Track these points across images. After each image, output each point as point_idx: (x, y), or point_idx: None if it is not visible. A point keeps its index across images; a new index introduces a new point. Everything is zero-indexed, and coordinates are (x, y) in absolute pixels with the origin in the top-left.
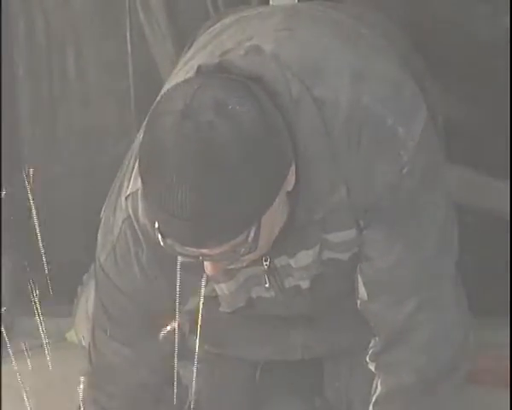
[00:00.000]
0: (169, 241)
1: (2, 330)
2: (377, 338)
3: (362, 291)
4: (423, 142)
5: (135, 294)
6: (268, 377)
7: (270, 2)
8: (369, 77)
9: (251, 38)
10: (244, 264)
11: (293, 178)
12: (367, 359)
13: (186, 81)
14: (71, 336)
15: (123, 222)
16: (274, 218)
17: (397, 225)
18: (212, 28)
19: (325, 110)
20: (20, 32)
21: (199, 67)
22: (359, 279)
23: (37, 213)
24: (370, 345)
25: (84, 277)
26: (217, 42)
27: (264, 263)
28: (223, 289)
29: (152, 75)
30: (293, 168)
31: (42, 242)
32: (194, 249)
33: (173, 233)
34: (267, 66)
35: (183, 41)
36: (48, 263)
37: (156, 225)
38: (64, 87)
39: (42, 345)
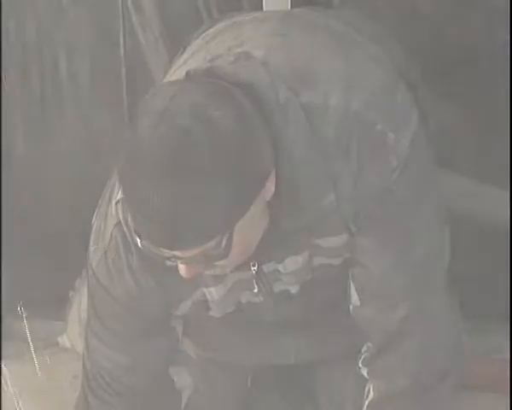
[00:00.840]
0: (144, 241)
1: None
2: (370, 343)
3: (354, 296)
4: (414, 148)
5: (126, 299)
6: (260, 383)
7: (264, 8)
8: (360, 83)
9: (242, 44)
10: (223, 270)
11: (273, 187)
12: (359, 364)
13: (169, 84)
14: (63, 340)
15: (113, 227)
16: (250, 226)
17: (387, 231)
18: (205, 34)
19: (314, 116)
20: (11, 35)
21: (187, 73)
22: (351, 285)
23: (28, 218)
24: (363, 350)
25: (77, 281)
26: (209, 47)
27: (252, 268)
28: (212, 293)
29: (145, 79)
30: (272, 178)
31: (34, 246)
32: (167, 251)
33: (146, 234)
34: (255, 72)
35: (176, 45)
36: (40, 267)
37: (132, 225)
38: (56, 90)
39: (34, 349)
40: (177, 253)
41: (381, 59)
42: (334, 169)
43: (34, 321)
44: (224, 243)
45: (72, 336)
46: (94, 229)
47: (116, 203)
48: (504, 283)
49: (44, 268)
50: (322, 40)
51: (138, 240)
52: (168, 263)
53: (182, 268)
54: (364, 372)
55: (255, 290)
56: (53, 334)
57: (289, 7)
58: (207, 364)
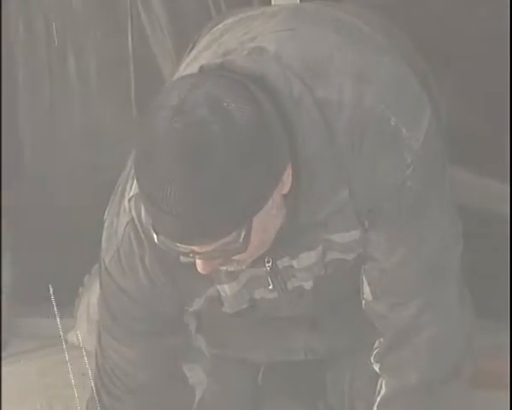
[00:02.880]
0: (161, 237)
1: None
2: (382, 339)
3: (367, 292)
4: (427, 142)
5: (139, 296)
6: (271, 379)
7: (272, 2)
8: (373, 77)
9: (254, 39)
10: (239, 265)
11: (290, 180)
12: (371, 359)
13: (184, 77)
14: (72, 337)
15: (127, 224)
16: (267, 220)
17: (400, 226)
18: (215, 29)
19: (328, 111)
20: (20, 33)
21: (201, 68)
22: (364, 280)
23: (38, 215)
24: (375, 345)
25: (86, 278)
26: (220, 42)
27: (267, 265)
28: (225, 290)
29: (153, 76)
30: (288, 171)
31: (43, 243)
32: (185, 246)
33: (163, 229)
34: (269, 66)
35: (184, 41)
36: (49, 264)
37: (150, 221)
38: (65, 87)
39: (42, 346)
40: (195, 248)
41: (392, 52)
42: (347, 164)
43: (42, 318)
44: (242, 236)
45: (80, 333)
46: (106, 225)
47: (129, 200)
48: (505, 280)
49: (53, 265)
50: (333, 34)
51: (155, 236)
52: (183, 259)
53: (199, 264)
54: (376, 368)
55: (270, 287)
56: (62, 331)
57: (298, 1)
58: (219, 360)
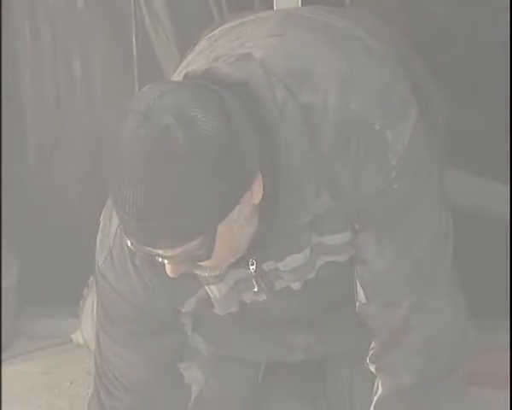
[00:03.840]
0: (131, 239)
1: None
2: (376, 340)
3: (360, 293)
4: (413, 145)
5: (133, 296)
6: (271, 378)
7: (275, 6)
8: (358, 81)
9: (243, 45)
10: (212, 271)
11: (261, 189)
12: (367, 360)
13: (156, 84)
14: (77, 337)
15: (118, 227)
16: (234, 229)
17: (388, 228)
18: (211, 34)
19: (312, 115)
20: (26, 36)
21: (185, 75)
22: (357, 282)
23: (43, 216)
24: (371, 346)
25: (90, 279)
26: (213, 48)
27: (251, 267)
28: (213, 291)
29: (157, 78)
30: (259, 180)
31: (49, 243)
32: (151, 249)
33: (129, 232)
34: (253, 72)
35: (187, 44)
36: (54, 264)
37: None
38: (70, 91)
39: (48, 346)
40: (159, 251)
41: (384, 57)
42: (332, 168)
43: (48, 318)
44: (205, 243)
45: (85, 333)
46: (100, 227)
47: None
48: (504, 279)
49: (58, 266)
50: (321, 39)
51: (127, 239)
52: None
53: (168, 267)
54: (372, 368)
55: (255, 290)
56: (67, 331)
57: (299, 4)
58: (218, 360)
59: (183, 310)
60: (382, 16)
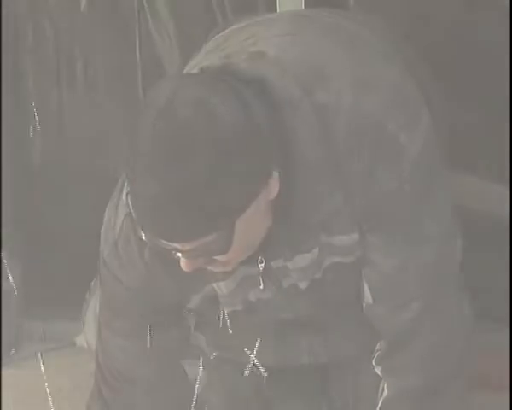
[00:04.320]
0: (147, 233)
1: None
2: (382, 342)
3: (367, 295)
4: (425, 147)
5: (138, 288)
6: (275, 382)
7: (278, 9)
8: (372, 83)
9: (255, 43)
10: (225, 267)
11: (277, 185)
12: (373, 362)
13: (174, 77)
14: (80, 340)
15: (124, 218)
16: (251, 224)
17: (398, 230)
18: (219, 34)
19: (326, 116)
20: (29, 39)
21: (201, 69)
22: (364, 283)
23: (48, 220)
24: (376, 348)
25: (93, 282)
26: (223, 47)
27: (260, 265)
28: (221, 287)
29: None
30: (275, 178)
31: (51, 247)
32: (168, 243)
33: (147, 225)
34: (268, 70)
35: (190, 47)
36: (59, 268)
37: (135, 216)
38: (73, 96)
39: (51, 349)
40: (176, 245)
41: (393, 59)
42: (344, 168)
43: (51, 322)
44: (223, 238)
45: (88, 336)
46: (105, 219)
47: (127, 194)
48: (505, 281)
49: (61, 269)
50: (333, 40)
51: (142, 232)
52: (173, 256)
53: (183, 261)
54: (378, 371)
55: (261, 287)
56: (70, 334)
57: (303, 7)
58: (223, 363)
59: (188, 306)
60: (385, 19)
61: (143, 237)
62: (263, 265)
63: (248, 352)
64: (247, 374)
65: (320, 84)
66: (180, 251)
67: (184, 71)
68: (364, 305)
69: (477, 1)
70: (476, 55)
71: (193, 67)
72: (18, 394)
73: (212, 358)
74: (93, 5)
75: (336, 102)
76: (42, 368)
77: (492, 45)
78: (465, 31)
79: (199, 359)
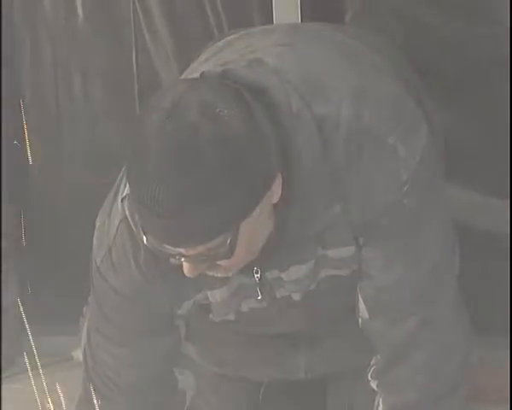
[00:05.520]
0: (150, 238)
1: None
2: (378, 356)
3: (362, 309)
4: (424, 160)
5: (131, 294)
6: (271, 398)
7: (274, 22)
8: (371, 95)
9: (253, 52)
10: (226, 272)
11: (280, 190)
12: (369, 377)
13: (179, 82)
14: (77, 355)
15: (119, 223)
16: (255, 228)
17: (396, 244)
18: (214, 45)
19: (326, 127)
20: (27, 53)
21: (202, 74)
22: (359, 297)
23: (42, 233)
24: (372, 362)
25: (90, 297)
26: (219, 56)
27: (255, 275)
28: (215, 295)
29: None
30: (279, 180)
31: (48, 262)
32: (171, 248)
33: (150, 229)
34: (269, 78)
35: (188, 62)
36: (55, 283)
37: (138, 221)
38: (70, 108)
39: (48, 364)
40: (181, 250)
41: (390, 73)
42: (343, 180)
43: (48, 336)
44: (228, 241)
45: None
46: (98, 225)
47: (122, 200)
48: (504, 295)
49: (58, 284)
50: (330, 51)
51: (144, 237)
52: (173, 261)
53: (186, 267)
54: (374, 385)
55: (259, 298)
56: (67, 349)
57: (299, 21)
58: (218, 377)
59: (179, 312)
60: (382, 34)
61: (145, 242)
62: (258, 275)
63: (240, 364)
64: (243, 390)
65: (320, 96)
66: (184, 256)
67: (182, 77)
68: (360, 319)
69: (476, 15)
70: (473, 66)
71: (189, 74)
72: (15, 408)
73: (208, 375)
74: (90, 19)
75: (336, 114)
76: (44, 383)
77: (491, 60)
78: (464, 45)
79: (189, 367)
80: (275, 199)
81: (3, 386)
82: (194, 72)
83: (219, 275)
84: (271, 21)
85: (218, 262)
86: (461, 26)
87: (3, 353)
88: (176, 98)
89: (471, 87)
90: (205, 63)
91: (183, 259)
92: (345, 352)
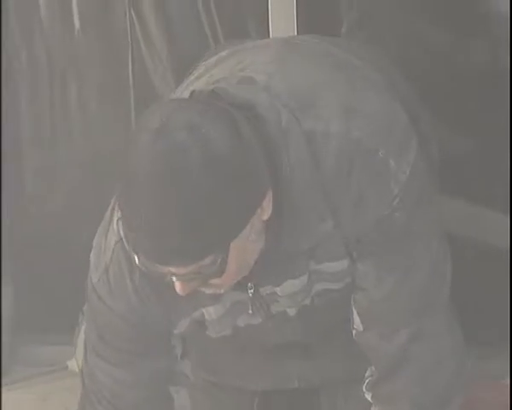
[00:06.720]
0: (141, 257)
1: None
2: (373, 368)
3: (357, 321)
4: (414, 174)
5: (128, 315)
6: (266, 407)
7: (271, 34)
8: (361, 109)
9: (244, 69)
10: (218, 289)
11: (270, 207)
12: (363, 388)
13: (168, 101)
14: (72, 364)
15: (115, 244)
16: (246, 245)
17: (388, 257)
18: (207, 61)
19: (315, 142)
20: (23, 62)
21: (192, 93)
22: (353, 310)
23: (39, 244)
24: (367, 374)
25: (85, 306)
26: (211, 74)
27: (249, 291)
28: (210, 313)
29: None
30: (269, 197)
31: (43, 271)
32: (162, 267)
33: (141, 249)
34: (258, 95)
35: (183, 73)
36: (50, 292)
37: (128, 241)
38: (66, 119)
39: (43, 373)
40: (171, 269)
41: (382, 86)
42: (334, 195)
43: (44, 346)
44: (219, 260)
45: (80, 360)
46: (95, 244)
47: (118, 220)
48: (504, 307)
49: (53, 294)
50: (322, 66)
51: (136, 257)
52: (166, 280)
53: (177, 285)
54: (368, 397)
55: (250, 312)
56: (62, 358)
57: (295, 33)
58: (212, 388)
59: (176, 331)
60: (376, 45)
61: (137, 262)
62: (252, 291)
63: (234, 373)
64: (237, 400)
65: (309, 111)
66: (175, 275)
67: (173, 96)
68: (354, 332)
69: (469, 28)
70: (471, 79)
71: (181, 92)
72: None
73: (203, 385)
74: (86, 30)
75: (326, 128)
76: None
77: (485, 72)
78: (458, 57)
79: (184, 385)
80: (265, 216)
81: None
82: (185, 90)
83: (212, 292)
84: (268, 33)
85: (210, 281)
86: (455, 38)
87: None
88: (164, 118)
89: (466, 99)
90: (196, 81)
91: (174, 278)
92: (338, 362)
